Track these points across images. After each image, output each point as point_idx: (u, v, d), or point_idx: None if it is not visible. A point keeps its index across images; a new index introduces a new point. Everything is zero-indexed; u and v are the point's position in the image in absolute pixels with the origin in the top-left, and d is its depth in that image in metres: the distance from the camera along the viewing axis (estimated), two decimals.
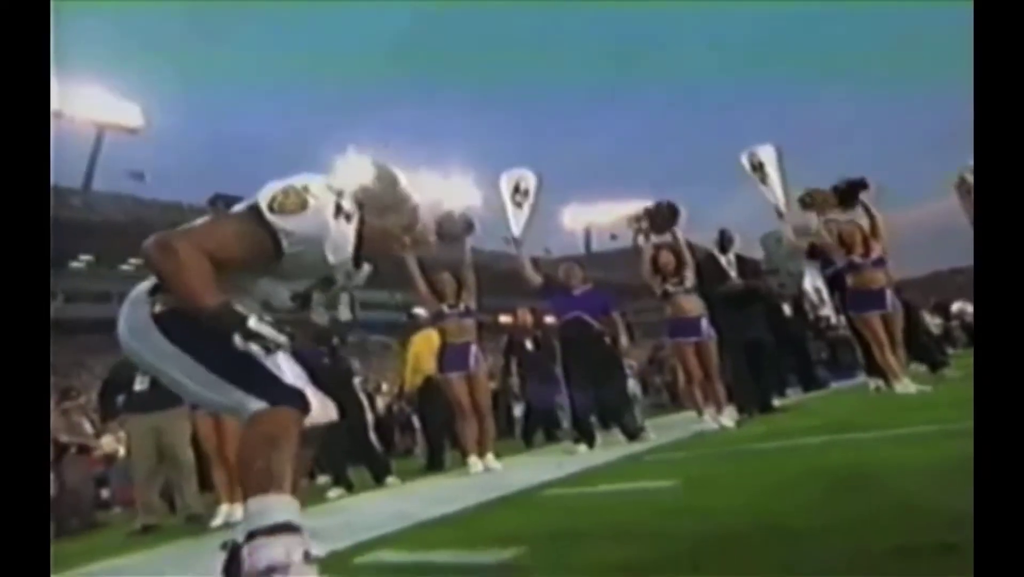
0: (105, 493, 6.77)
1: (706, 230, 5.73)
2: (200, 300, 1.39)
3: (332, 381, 1.81)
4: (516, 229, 5.17)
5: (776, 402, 5.61)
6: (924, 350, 5.46)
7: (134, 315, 1.51)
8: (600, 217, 45.28)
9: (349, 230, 1.53)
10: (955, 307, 13.25)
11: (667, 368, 11.76)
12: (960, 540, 1.11)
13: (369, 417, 5.25)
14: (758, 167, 5.50)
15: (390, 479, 4.73)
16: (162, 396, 4.64)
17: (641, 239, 4.93)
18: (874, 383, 5.03)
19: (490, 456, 4.38)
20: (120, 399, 5.05)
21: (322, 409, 1.57)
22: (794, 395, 6.95)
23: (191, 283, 1.40)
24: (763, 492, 2.02)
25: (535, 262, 5.26)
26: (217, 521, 3.78)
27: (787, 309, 7.45)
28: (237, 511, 3.82)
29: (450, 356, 4.50)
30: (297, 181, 1.50)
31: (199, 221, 1.52)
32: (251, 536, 1.29)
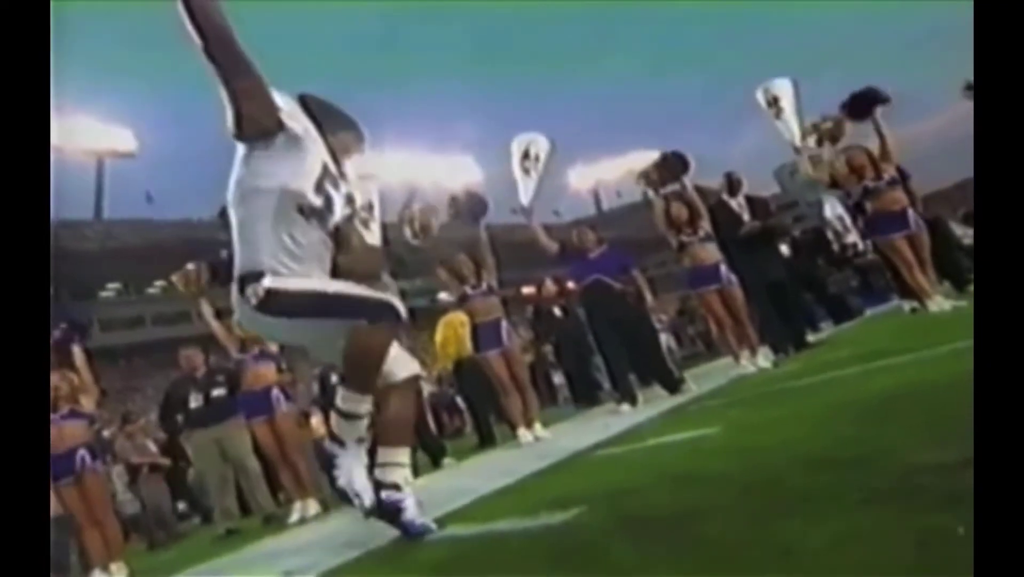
0: (182, 505, 7.18)
1: (716, 171, 5.67)
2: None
3: None
4: (525, 198, 5.10)
5: (810, 337, 5.63)
6: (952, 267, 5.38)
7: (241, 312, 1.85)
8: (606, 174, 44.76)
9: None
10: None
11: (699, 317, 11.76)
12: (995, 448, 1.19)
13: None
14: (773, 102, 5.37)
15: (446, 460, 4.93)
16: (216, 410, 4.91)
17: (651, 193, 4.92)
18: (909, 305, 5.02)
19: (538, 426, 4.53)
20: (179, 417, 5.35)
21: (405, 364, 1.98)
22: (828, 328, 6.94)
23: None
24: (803, 427, 2.09)
25: (548, 229, 5.23)
26: (294, 517, 4.01)
27: (785, 249, 7.20)
28: (311, 507, 4.06)
29: (483, 335, 4.61)
30: None
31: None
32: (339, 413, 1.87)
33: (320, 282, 1.82)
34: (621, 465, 2.53)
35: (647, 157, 5.05)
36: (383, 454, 1.97)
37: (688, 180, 4.84)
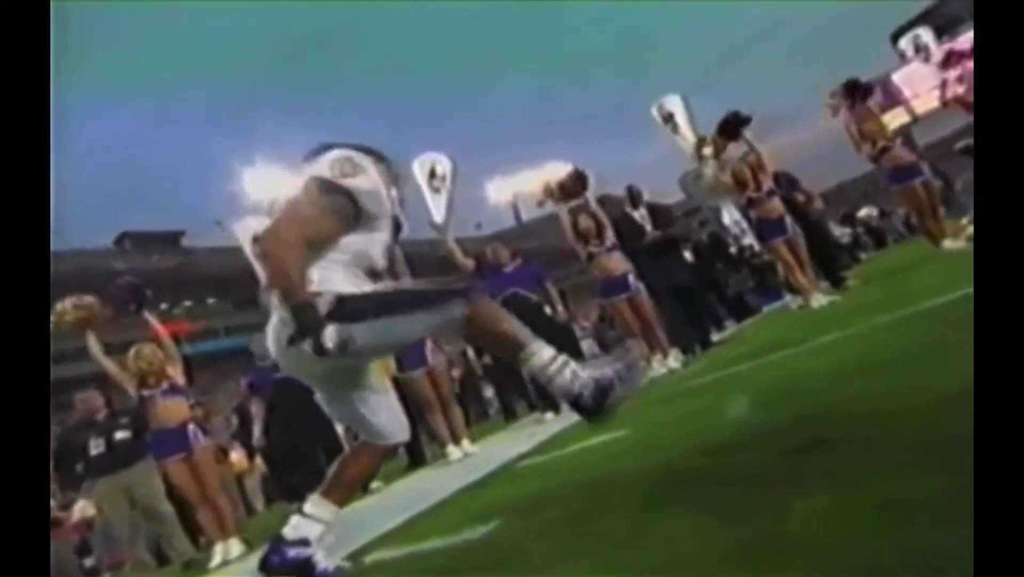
0: (89, 561, 6.58)
1: (626, 179, 6.02)
2: (294, 294, 1.55)
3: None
4: (438, 216, 5.15)
5: (715, 337, 6.07)
6: (830, 264, 6.00)
7: (287, 347, 1.61)
8: (524, 186, 45.49)
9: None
10: (862, 213, 14.36)
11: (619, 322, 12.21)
12: (843, 429, 1.42)
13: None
14: (668, 118, 5.78)
15: (374, 484, 4.88)
16: (122, 455, 4.61)
17: (558, 208, 5.17)
18: (795, 301, 5.55)
19: (465, 441, 4.60)
20: (79, 466, 4.95)
21: (400, 428, 1.92)
22: (731, 326, 7.50)
23: (292, 277, 1.55)
24: (702, 421, 2.31)
25: (463, 245, 5.34)
26: (215, 561, 3.83)
27: (688, 255, 7.71)
28: (233, 548, 3.89)
29: (406, 354, 4.64)
30: (340, 152, 1.69)
31: (284, 209, 1.65)
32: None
33: (370, 287, 1.71)
34: (542, 473, 2.66)
35: (561, 169, 5.28)
36: (315, 503, 1.85)
37: (591, 195, 5.13)
